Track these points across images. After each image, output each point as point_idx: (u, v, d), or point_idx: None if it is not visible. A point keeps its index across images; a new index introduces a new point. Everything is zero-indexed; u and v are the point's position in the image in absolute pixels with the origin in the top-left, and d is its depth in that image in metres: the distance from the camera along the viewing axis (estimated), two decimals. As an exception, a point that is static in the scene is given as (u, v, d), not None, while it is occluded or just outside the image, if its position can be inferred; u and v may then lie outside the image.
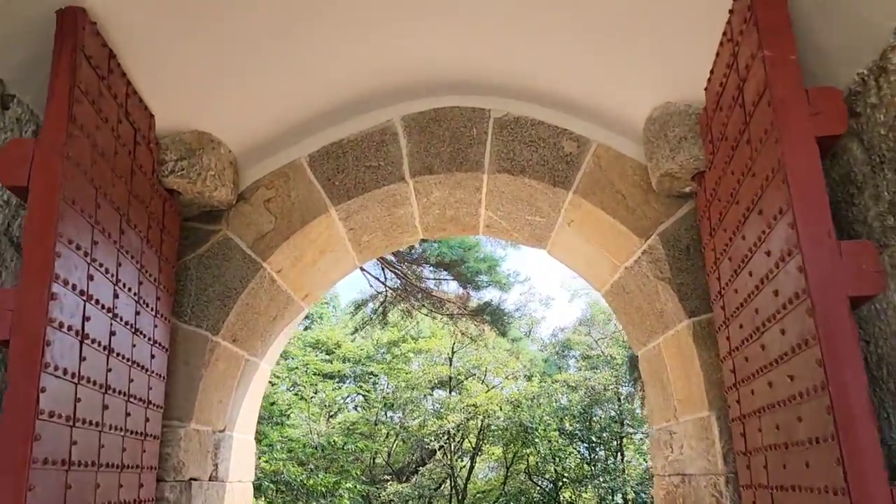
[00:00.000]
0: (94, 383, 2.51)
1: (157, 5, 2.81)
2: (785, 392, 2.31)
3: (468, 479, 20.50)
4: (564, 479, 19.49)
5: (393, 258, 13.33)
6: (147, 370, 3.07)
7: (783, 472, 2.39)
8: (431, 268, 12.71)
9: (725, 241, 2.90)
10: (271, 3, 3.10)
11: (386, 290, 14.23)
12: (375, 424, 19.72)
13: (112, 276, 2.66)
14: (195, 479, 3.57)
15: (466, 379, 20.19)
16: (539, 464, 19.82)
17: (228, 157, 3.73)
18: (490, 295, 11.86)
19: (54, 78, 2.39)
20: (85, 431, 2.42)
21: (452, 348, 19.71)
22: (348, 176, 3.96)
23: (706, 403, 3.42)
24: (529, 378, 20.11)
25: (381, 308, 14.97)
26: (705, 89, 3.09)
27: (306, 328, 27.15)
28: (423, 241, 10.99)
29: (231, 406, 4.10)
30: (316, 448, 14.28)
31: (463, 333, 14.02)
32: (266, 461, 12.88)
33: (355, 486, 14.37)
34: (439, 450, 19.94)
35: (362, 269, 13.65)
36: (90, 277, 2.45)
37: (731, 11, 2.65)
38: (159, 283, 3.26)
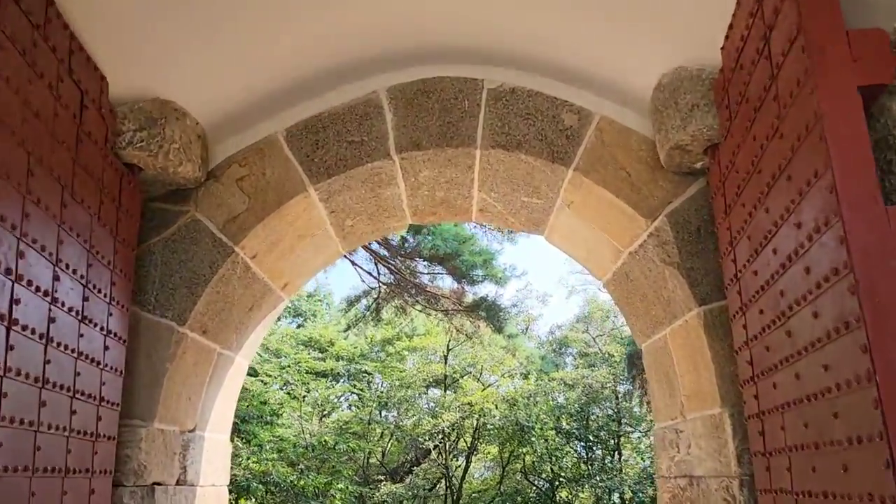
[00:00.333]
0: (27, 377, 2.18)
1: (107, -49, 2.50)
2: (816, 384, 2.00)
3: (463, 478, 20.20)
4: (561, 479, 19.20)
5: (386, 253, 13.02)
6: (99, 363, 2.75)
7: (812, 476, 2.09)
8: (425, 262, 12.39)
9: (744, 217, 2.59)
10: (238, -47, 2.78)
11: (379, 286, 13.91)
12: (369, 424, 19.40)
13: (51, 255, 2.34)
14: (159, 484, 3.25)
15: (462, 377, 19.89)
16: (535, 463, 19.53)
17: (195, 130, 3.41)
18: (486, 290, 11.55)
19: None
20: (14, 432, 2.10)
21: (447, 346, 19.40)
22: (329, 152, 3.64)
23: (718, 399, 3.11)
24: (526, 376, 19.82)
25: (374, 304, 14.66)
26: (722, 48, 2.78)
27: (299, 326, 26.87)
28: (415, 233, 10.67)
29: (202, 404, 3.78)
30: (307, 448, 13.95)
31: (458, 330, 13.71)
32: (255, 462, 12.56)
33: (347, 487, 14.04)
34: (434, 449, 19.63)
35: (354, 263, 13.34)
36: (20, 255, 2.13)
37: (753, -45, 2.35)
38: (115, 267, 2.93)
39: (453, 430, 18.84)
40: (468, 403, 17.71)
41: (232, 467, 12.65)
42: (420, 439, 18.82)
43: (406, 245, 11.88)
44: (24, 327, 2.16)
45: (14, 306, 2.10)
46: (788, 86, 2.04)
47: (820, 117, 1.82)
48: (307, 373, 18.87)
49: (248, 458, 12.28)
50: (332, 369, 20.37)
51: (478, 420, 18.95)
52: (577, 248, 4.28)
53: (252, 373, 19.68)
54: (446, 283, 13.54)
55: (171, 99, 3.25)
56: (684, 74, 3.08)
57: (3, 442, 2.02)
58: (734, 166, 2.66)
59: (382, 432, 20.70)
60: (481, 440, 19.89)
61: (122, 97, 3.10)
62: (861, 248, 1.74)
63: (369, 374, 21.00)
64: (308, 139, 3.66)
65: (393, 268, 13.08)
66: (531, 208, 4.07)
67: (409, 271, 13.01)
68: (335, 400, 21.92)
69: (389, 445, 21.34)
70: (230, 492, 12.23)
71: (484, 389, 18.90)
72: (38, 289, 2.25)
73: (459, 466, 20.39)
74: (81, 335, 2.57)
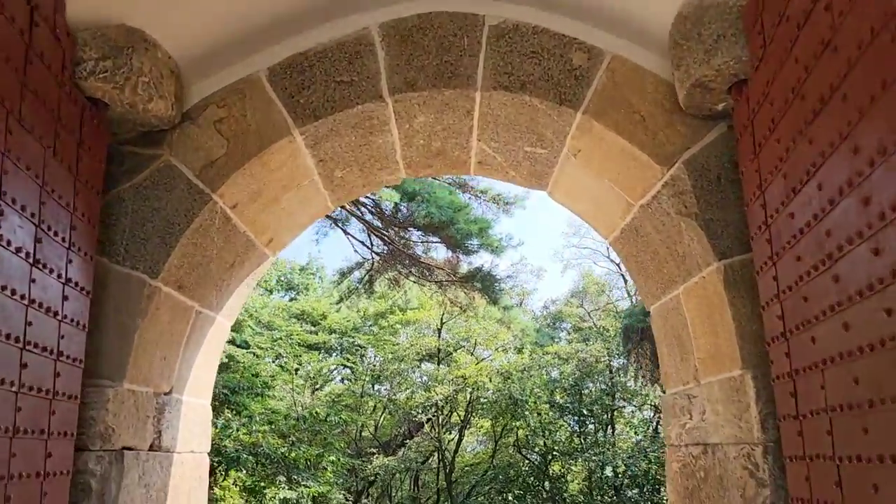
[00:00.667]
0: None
1: None
2: (873, 333, 1.74)
3: (456, 452, 20.15)
4: (554, 453, 19.15)
5: (379, 224, 12.72)
6: (56, 314, 2.46)
7: (863, 440, 1.84)
8: (419, 232, 12.10)
9: (779, 154, 2.31)
10: None
11: (372, 257, 13.63)
12: (361, 397, 19.28)
13: (-10, 184, 2.04)
14: (129, 449, 2.99)
15: (455, 351, 19.74)
16: (528, 437, 19.48)
17: (168, 64, 3.09)
18: (481, 260, 11.30)
19: None
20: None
21: (441, 319, 19.20)
22: (315, 93, 3.33)
23: (739, 360, 2.86)
24: (520, 350, 19.68)
25: (367, 276, 14.39)
26: (755, -36, 2.48)
27: (291, 299, 26.64)
28: (408, 200, 10.36)
29: (179, 365, 3.51)
30: (298, 420, 13.76)
31: (452, 303, 13.47)
32: (245, 433, 12.36)
33: (339, 459, 13.89)
34: (427, 423, 19.54)
35: (347, 232, 13.05)
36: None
37: None
38: (76, 210, 2.64)
39: (446, 403, 18.73)
40: (461, 377, 17.57)
41: (222, 438, 12.49)
42: (413, 413, 18.71)
43: (399, 214, 11.57)
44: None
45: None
46: (847, -11, 1.75)
47: (893, 14, 1.53)
48: (299, 345, 18.66)
49: (238, 430, 12.08)
50: (324, 342, 20.19)
51: (471, 394, 18.84)
52: (582, 204, 4.00)
53: (244, 345, 19.48)
54: (440, 254, 13.28)
55: (139, 27, 2.93)
56: (708, 2, 2.77)
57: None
58: (767, 98, 2.38)
59: (375, 405, 20.60)
60: (474, 414, 19.81)
61: (82, 21, 2.77)
62: (938, 168, 1.46)
63: (362, 347, 20.84)
64: (293, 79, 3.34)
65: (386, 238, 12.79)
66: (534, 159, 3.78)
67: (402, 242, 12.73)
68: (328, 373, 21.78)
69: (382, 419, 21.26)
70: (220, 463, 12.08)
71: (478, 363, 18.75)
72: (-26, 223, 1.96)
73: (452, 440, 20.33)
74: (33, 280, 2.28)
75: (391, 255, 13.19)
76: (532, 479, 19.30)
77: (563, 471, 19.62)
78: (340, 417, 14.68)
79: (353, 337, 20.42)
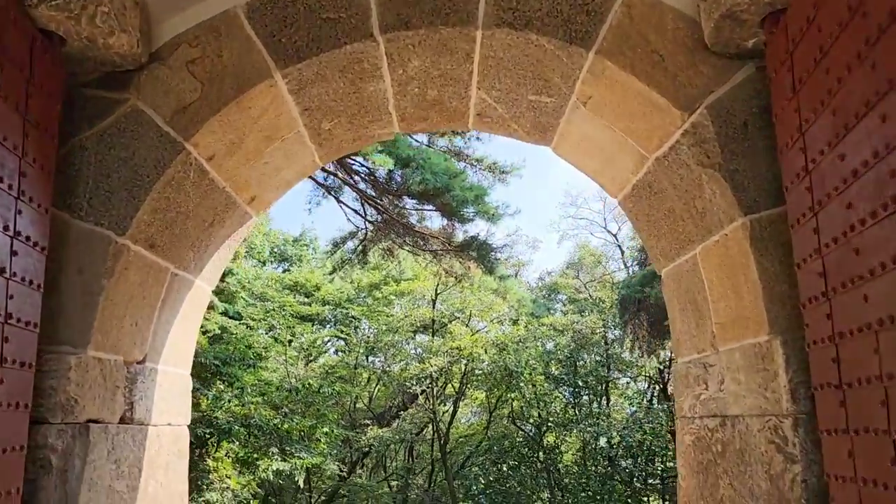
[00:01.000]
0: None
1: None
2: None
3: (451, 423, 20.09)
4: (549, 424, 19.12)
5: (373, 192, 12.39)
6: (3, 271, 2.17)
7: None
8: (414, 200, 11.78)
9: (827, 87, 2.02)
10: None
11: (365, 226, 13.33)
12: (356, 368, 19.12)
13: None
14: (96, 422, 2.73)
15: (450, 322, 19.54)
16: (523, 408, 19.43)
17: (132, -6, 2.75)
18: (476, 228, 11.01)
19: None
20: None
21: (436, 290, 18.97)
22: (299, 31, 3.00)
23: (765, 325, 2.60)
24: (515, 322, 19.52)
25: (360, 246, 14.10)
26: None
27: (285, 271, 26.37)
28: (402, 166, 10.02)
29: (154, 331, 3.23)
30: (290, 391, 13.57)
31: (447, 272, 13.20)
32: (237, 405, 12.17)
33: (332, 431, 13.74)
34: (421, 394, 19.43)
35: (339, 200, 12.73)
36: None
37: None
38: (25, 155, 2.33)
39: (441, 375, 18.60)
40: (456, 348, 17.40)
41: (214, 410, 12.29)
42: (407, 384, 18.58)
43: (393, 181, 11.23)
44: None
45: None
46: None
47: None
48: (292, 317, 18.44)
49: (230, 401, 11.88)
50: (318, 314, 19.99)
51: (466, 365, 18.70)
52: (590, 160, 3.70)
53: (237, 316, 19.24)
54: (435, 224, 12.98)
55: (96, -51, 2.59)
56: (742, -79, 2.45)
57: None
58: (813, 24, 2.08)
59: (369, 377, 20.47)
60: (469, 385, 19.71)
61: (28, -62, 2.43)
62: None
63: (356, 318, 20.65)
64: (274, 15, 3.01)
65: (380, 207, 12.47)
66: (539, 110, 3.47)
67: (396, 210, 12.42)
68: (321, 345, 21.62)
69: (376, 390, 21.16)
70: (212, 434, 11.90)
71: (473, 335, 18.58)
72: None
73: (447, 411, 20.26)
74: (-30, 232, 1.98)
75: (385, 225, 12.88)
76: (526, 450, 19.30)
77: (557, 442, 19.62)
78: (334, 389, 14.51)
79: (346, 308, 20.22)
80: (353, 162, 11.73)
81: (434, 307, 19.20)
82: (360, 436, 17.30)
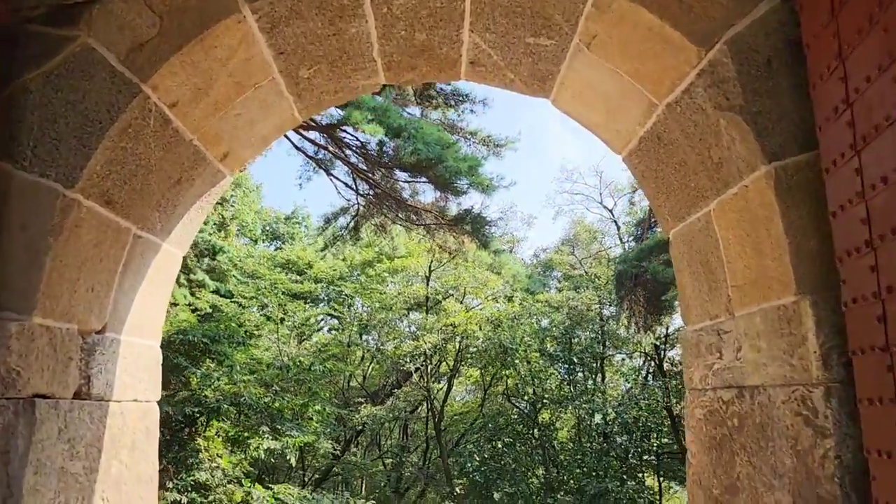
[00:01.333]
0: None
1: None
2: None
3: (445, 401, 19.96)
4: (544, 401, 19.00)
5: (364, 166, 12.05)
6: (-80, 221, 1.87)
7: None
8: (406, 174, 11.46)
9: (875, 2, 1.72)
10: None
11: (357, 201, 13.01)
12: (349, 347, 18.92)
13: None
14: (44, 397, 2.44)
15: (444, 299, 19.32)
16: (518, 385, 19.30)
17: (75, -88, 2.43)
18: (471, 201, 10.71)
19: None
20: None
21: (429, 267, 18.71)
22: (269, -41, 2.68)
23: (792, 284, 2.33)
24: (510, 299, 19.31)
25: (352, 222, 13.80)
26: None
27: (277, 249, 26.08)
28: (394, 136, 9.68)
29: (115, 299, 2.94)
30: (281, 369, 13.34)
31: (441, 248, 12.92)
32: (227, 383, 11.92)
33: (324, 409, 13.53)
34: (415, 372, 19.27)
35: (329, 173, 12.40)
36: None
37: None
38: (-52, 89, 2.01)
39: (435, 352, 18.42)
40: (451, 325, 17.19)
41: (202, 388, 12.06)
42: (401, 362, 18.40)
43: (385, 153, 10.89)
44: None
45: None
46: None
47: None
48: (284, 294, 18.18)
49: (219, 380, 11.63)
50: (310, 292, 19.74)
51: (460, 343, 18.52)
52: (592, 111, 3.40)
53: (228, 294, 18.96)
54: (428, 198, 12.67)
55: None
56: None
57: None
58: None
59: (363, 356, 20.28)
60: (463, 363, 19.55)
61: None
62: None
63: (349, 296, 20.41)
64: (241, -58, 2.68)
65: (372, 182, 12.15)
66: (537, 55, 3.16)
67: (388, 184, 12.10)
68: (314, 323, 21.39)
69: (370, 369, 20.99)
70: (201, 414, 11.67)
71: (467, 312, 18.36)
72: None
73: (441, 389, 20.12)
74: None
75: (377, 199, 12.57)
76: (521, 427, 19.21)
77: (552, 419, 19.53)
78: (325, 366, 14.28)
79: (339, 286, 19.97)
80: (343, 134, 11.39)
81: (428, 284, 18.96)
82: (353, 414, 17.13)
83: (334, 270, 19.78)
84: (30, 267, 2.41)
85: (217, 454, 11.95)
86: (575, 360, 19.23)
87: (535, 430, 18.70)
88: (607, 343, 19.49)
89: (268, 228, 28.02)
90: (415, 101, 11.55)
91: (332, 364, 15.88)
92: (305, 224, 27.87)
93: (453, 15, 3.01)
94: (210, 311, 17.16)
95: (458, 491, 17.91)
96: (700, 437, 3.03)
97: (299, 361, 13.91)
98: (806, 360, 2.25)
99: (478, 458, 18.05)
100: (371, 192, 12.59)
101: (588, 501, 15.88)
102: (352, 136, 11.23)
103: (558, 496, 16.68)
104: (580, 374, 20.01)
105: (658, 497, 17.90)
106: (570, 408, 18.32)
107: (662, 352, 18.25)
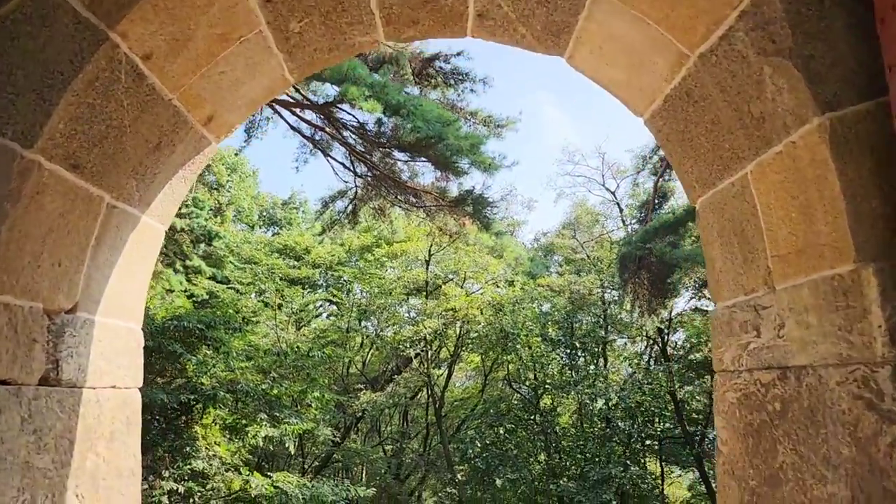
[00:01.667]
0: None
1: None
2: None
3: (446, 387, 19.77)
4: (546, 386, 18.80)
5: (362, 147, 11.74)
6: None
7: None
8: (405, 154, 11.13)
9: None
10: None
11: (356, 183, 12.71)
12: (348, 332, 18.68)
13: None
14: (4, 383, 2.16)
15: (444, 284, 19.06)
16: (519, 370, 19.11)
17: None
18: (472, 182, 10.42)
19: None
20: None
21: (429, 251, 18.43)
22: None
23: (850, 251, 2.05)
24: (511, 283, 19.05)
25: (350, 206, 13.50)
26: None
27: (274, 234, 25.76)
28: (393, 113, 9.36)
29: (87, 275, 2.65)
30: (278, 355, 13.09)
31: (441, 230, 12.63)
32: (223, 370, 11.67)
33: (323, 395, 13.30)
34: (416, 358, 19.05)
35: (326, 154, 12.08)
36: None
37: None
38: None
39: (435, 338, 18.19)
40: (451, 310, 16.94)
41: (198, 376, 11.81)
42: (401, 348, 18.17)
43: (383, 133, 10.57)
44: None
45: None
46: None
47: None
48: (282, 280, 17.91)
49: (215, 366, 11.38)
50: (308, 277, 19.48)
51: (461, 328, 18.29)
52: (613, 68, 3.10)
53: (224, 281, 18.67)
54: (427, 179, 12.36)
55: None
56: None
57: None
58: None
59: (362, 342, 20.05)
60: (464, 348, 19.34)
61: None
62: None
63: (348, 282, 20.15)
64: None
65: (370, 163, 11.84)
66: (553, 4, 2.85)
67: (387, 166, 11.79)
68: (313, 309, 21.15)
69: (369, 355, 20.77)
70: (196, 401, 11.42)
71: (468, 296, 18.11)
72: None
73: (442, 375, 19.92)
74: None
75: (376, 181, 12.27)
76: (523, 412, 19.02)
77: (553, 404, 19.34)
78: (324, 353, 14.04)
79: (337, 271, 19.71)
80: (341, 114, 11.06)
81: (428, 268, 18.69)
82: (353, 401, 16.92)
83: (332, 255, 19.51)
84: (-17, 237, 2.12)
85: (215, 442, 11.73)
86: (577, 344, 19.02)
87: (537, 416, 18.51)
88: (609, 327, 19.26)
89: (265, 213, 27.71)
90: (413, 81, 11.21)
91: (331, 350, 15.64)
92: (303, 209, 27.56)
93: (460, -42, 2.71)
94: (206, 297, 16.89)
95: (460, 477, 17.76)
96: (733, 424, 2.76)
97: (297, 348, 13.66)
98: (868, 336, 1.98)
99: (479, 445, 17.88)
100: (369, 175, 12.28)
101: (591, 487, 15.72)
102: (349, 114, 10.90)
103: (561, 482, 16.52)
104: (582, 359, 19.80)
105: (661, 482, 17.77)
106: (571, 393, 18.12)
107: (666, 335, 18.02)
